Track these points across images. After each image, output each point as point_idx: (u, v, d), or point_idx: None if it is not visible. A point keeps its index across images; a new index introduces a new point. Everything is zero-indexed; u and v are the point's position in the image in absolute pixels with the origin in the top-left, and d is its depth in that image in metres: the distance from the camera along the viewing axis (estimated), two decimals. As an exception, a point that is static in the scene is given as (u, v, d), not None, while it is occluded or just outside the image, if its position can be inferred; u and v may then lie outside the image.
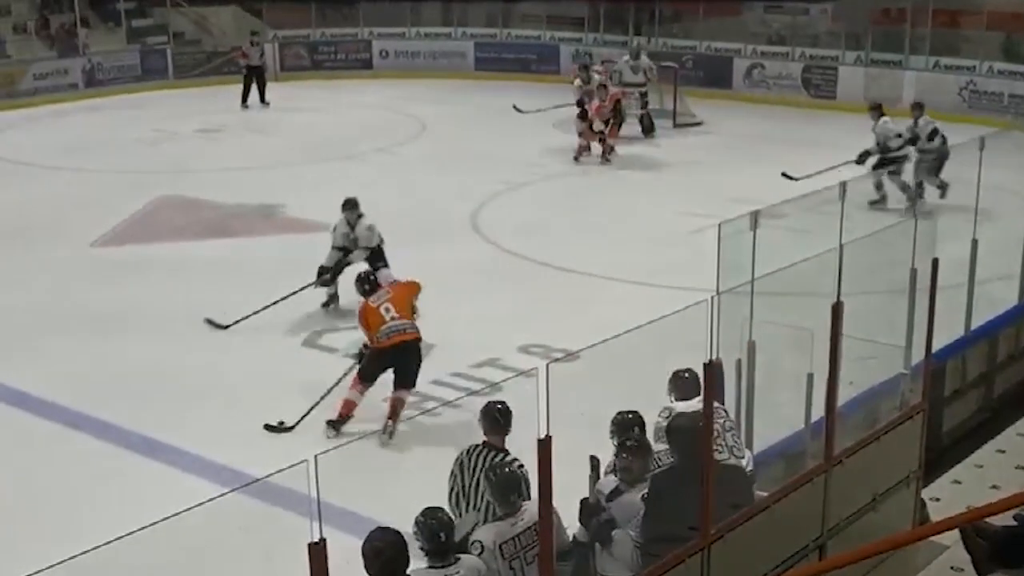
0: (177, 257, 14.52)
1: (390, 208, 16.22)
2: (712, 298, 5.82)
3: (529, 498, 5.73)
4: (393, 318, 9.66)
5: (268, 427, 9.62)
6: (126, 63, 27.85)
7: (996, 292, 11.59)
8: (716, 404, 6.82)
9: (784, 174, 15.69)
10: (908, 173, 15.68)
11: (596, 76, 20.35)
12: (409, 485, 7.01)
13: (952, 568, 6.52)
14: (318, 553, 4.31)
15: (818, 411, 7.00)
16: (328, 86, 27.41)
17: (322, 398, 9.67)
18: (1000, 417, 10.43)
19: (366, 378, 9.69)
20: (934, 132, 16.00)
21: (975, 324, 11.01)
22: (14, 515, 8.29)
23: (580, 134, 19.70)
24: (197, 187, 17.91)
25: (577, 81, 20.44)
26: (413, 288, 10.20)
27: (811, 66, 25.61)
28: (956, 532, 5.94)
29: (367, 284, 10.15)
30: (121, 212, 16.35)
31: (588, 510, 5.93)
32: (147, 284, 13.36)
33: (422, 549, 5.30)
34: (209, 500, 4.19)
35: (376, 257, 12.30)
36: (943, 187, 15.25)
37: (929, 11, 24.67)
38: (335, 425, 9.52)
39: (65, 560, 3.75)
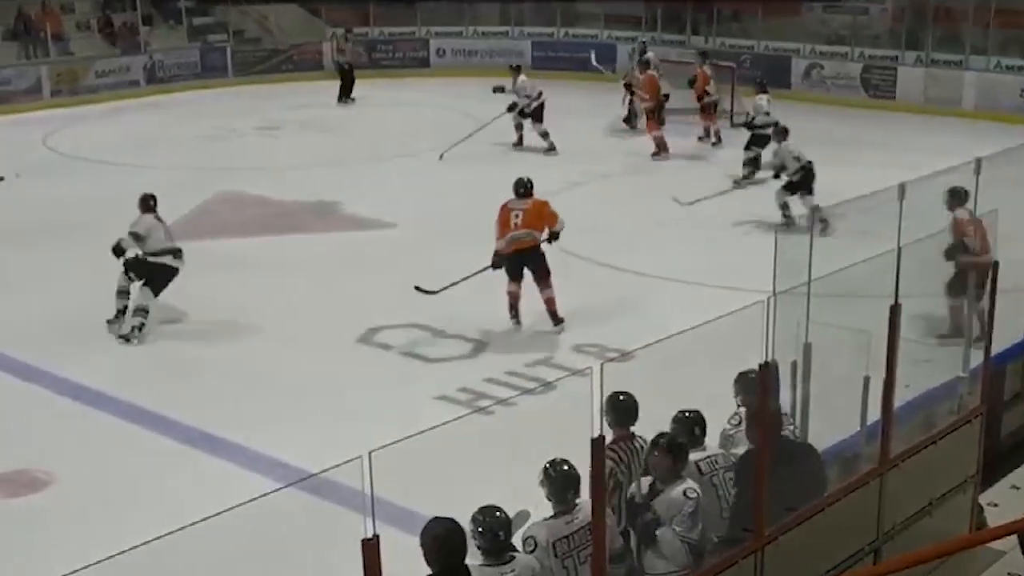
0: (235, 253, 14.62)
1: (447, 206, 16.27)
2: (768, 299, 5.80)
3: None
4: (516, 226, 11.59)
5: (418, 288, 12.01)
6: (187, 60, 28.14)
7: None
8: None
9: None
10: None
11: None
12: (462, 483, 7.01)
13: (1009, 574, 6.47)
14: (371, 549, 4.34)
15: (874, 414, 6.95)
16: (386, 84, 27.51)
17: (455, 283, 11.82)
18: (1060, 422, 10.31)
19: (510, 277, 11.78)
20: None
21: (1036, 327, 10.88)
22: (73, 507, 8.39)
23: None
24: (255, 184, 18.05)
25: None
26: (545, 205, 11.91)
27: (870, 66, 25.39)
28: (1014, 538, 5.91)
29: (521, 188, 11.99)
30: (180, 208, 16.44)
31: (633, 510, 5.92)
32: (205, 280, 13.42)
33: (479, 547, 5.29)
34: (264, 495, 4.23)
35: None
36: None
37: (991, 10, 24.38)
38: (515, 317, 11.73)
39: (123, 552, 3.80)
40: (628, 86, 21.88)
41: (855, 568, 6.65)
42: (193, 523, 3.92)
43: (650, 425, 6.35)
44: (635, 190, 17.95)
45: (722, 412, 6.78)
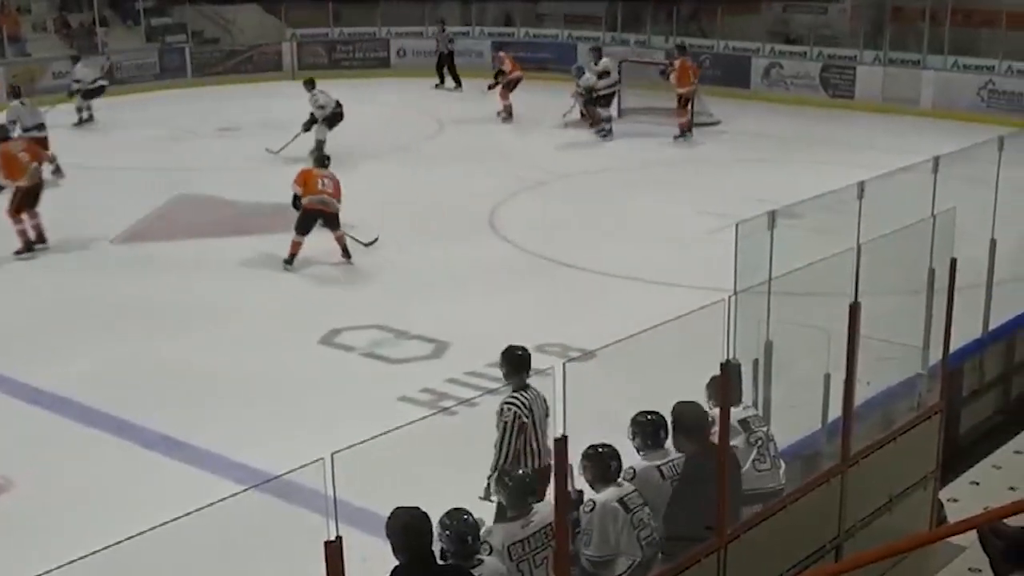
0: (195, 255, 14.55)
1: (407, 206, 16.25)
2: (729, 298, 5.82)
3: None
4: (323, 190, 13.87)
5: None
6: (145, 61, 27.95)
7: (1014, 292, 11.55)
8: (756, 413, 6.82)
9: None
10: None
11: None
12: (426, 484, 7.00)
13: (970, 569, 6.50)
14: (334, 551, 4.33)
15: (835, 411, 6.99)
16: (346, 85, 27.39)
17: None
18: (1018, 418, 10.40)
19: (302, 232, 13.84)
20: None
21: (993, 325, 10.98)
22: (32, 512, 8.32)
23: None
24: (215, 186, 17.95)
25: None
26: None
27: (829, 65, 25.54)
28: (974, 533, 5.95)
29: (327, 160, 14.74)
30: (139, 210, 16.39)
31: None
32: (165, 282, 13.40)
33: (446, 551, 5.27)
34: (225, 498, 4.21)
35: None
36: None
37: (948, 10, 24.58)
38: (290, 262, 13.76)
39: (83, 557, 3.77)
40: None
41: (817, 565, 6.68)
42: (155, 527, 3.90)
43: (612, 426, 6.35)
44: (597, 189, 17.98)
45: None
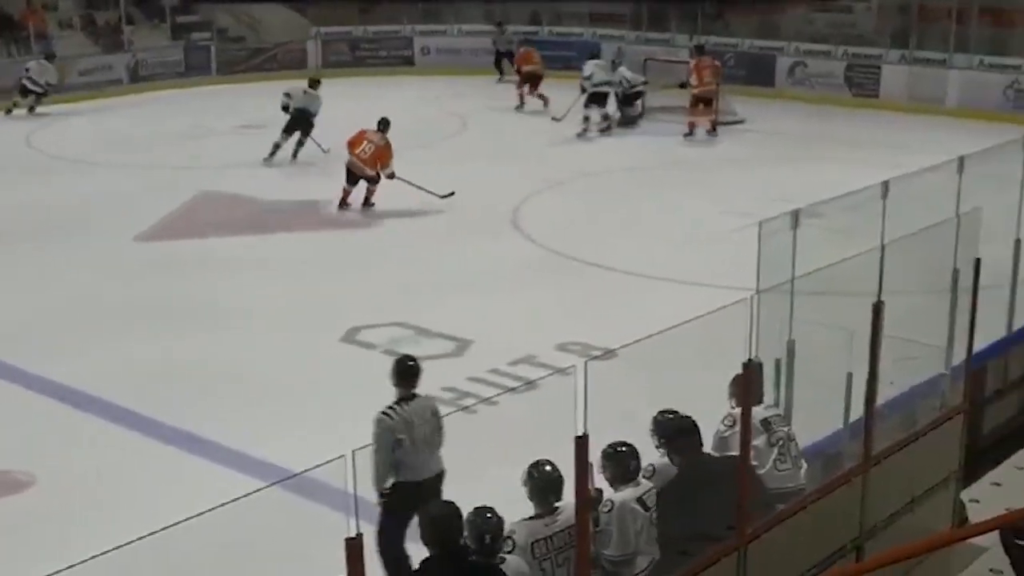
0: (216, 253, 14.59)
1: (431, 204, 16.26)
2: (752, 297, 5.80)
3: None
4: (358, 154, 16.30)
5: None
6: (170, 59, 28.03)
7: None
8: (777, 412, 6.80)
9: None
10: None
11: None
12: (447, 482, 7.02)
13: (991, 570, 6.48)
14: (355, 548, 4.34)
15: (857, 411, 6.97)
16: (370, 83, 27.48)
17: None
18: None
19: (347, 182, 16.36)
20: None
21: (1017, 325, 10.91)
22: (54, 508, 8.36)
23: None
24: (237, 183, 18.00)
25: None
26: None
27: (854, 64, 25.43)
28: (995, 534, 5.92)
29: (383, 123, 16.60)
30: (162, 207, 16.45)
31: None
32: (188, 279, 13.44)
33: (470, 547, 5.28)
34: (247, 495, 4.22)
35: None
36: None
37: (975, 9, 24.46)
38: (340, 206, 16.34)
39: (104, 553, 3.78)
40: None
41: (838, 565, 6.66)
42: (176, 523, 3.91)
43: (634, 426, 6.35)
44: (619, 188, 17.97)
45: (706, 409, 6.74)
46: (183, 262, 14.22)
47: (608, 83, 21.72)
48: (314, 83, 19.74)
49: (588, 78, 21.53)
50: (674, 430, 6.30)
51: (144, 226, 15.59)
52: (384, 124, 16.58)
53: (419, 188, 16.13)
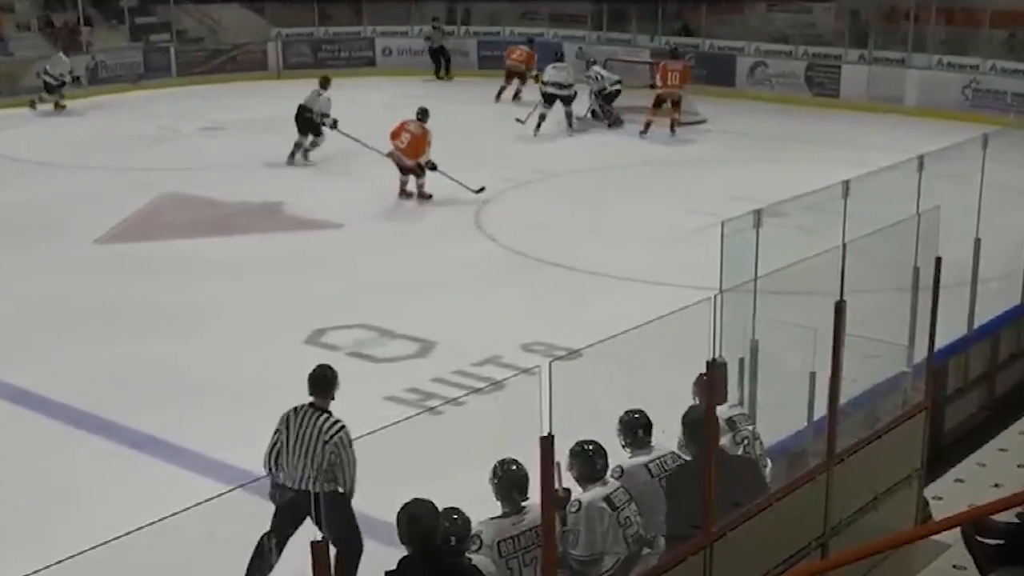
0: (180, 255, 14.52)
1: (393, 206, 16.25)
2: (715, 297, 5.82)
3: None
4: (396, 144, 16.81)
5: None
6: (129, 61, 27.83)
7: (999, 291, 11.58)
8: (742, 411, 6.85)
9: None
10: None
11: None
12: (412, 483, 6.99)
13: (954, 566, 6.53)
14: (320, 551, 4.32)
15: (820, 409, 7.00)
16: (332, 84, 27.34)
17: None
18: (1002, 416, 10.42)
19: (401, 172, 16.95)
20: None
21: (978, 323, 11.01)
22: (19, 513, 8.29)
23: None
24: (199, 185, 17.91)
25: None
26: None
27: (814, 64, 25.60)
28: (958, 531, 5.97)
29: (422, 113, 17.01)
30: (124, 210, 16.35)
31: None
32: (150, 282, 13.36)
33: None
34: (211, 498, 4.20)
35: None
36: None
37: (932, 9, 24.66)
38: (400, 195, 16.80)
39: (70, 557, 3.76)
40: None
41: (803, 563, 6.68)
42: (139, 527, 3.89)
43: (599, 425, 6.36)
44: (583, 188, 18.00)
45: (673, 411, 6.77)
46: (147, 264, 14.14)
47: (558, 84, 21.77)
48: (324, 83, 19.72)
49: (545, 81, 21.92)
50: (644, 428, 6.34)
51: (106, 228, 15.49)
52: (423, 113, 17.00)
53: (454, 181, 16.56)
